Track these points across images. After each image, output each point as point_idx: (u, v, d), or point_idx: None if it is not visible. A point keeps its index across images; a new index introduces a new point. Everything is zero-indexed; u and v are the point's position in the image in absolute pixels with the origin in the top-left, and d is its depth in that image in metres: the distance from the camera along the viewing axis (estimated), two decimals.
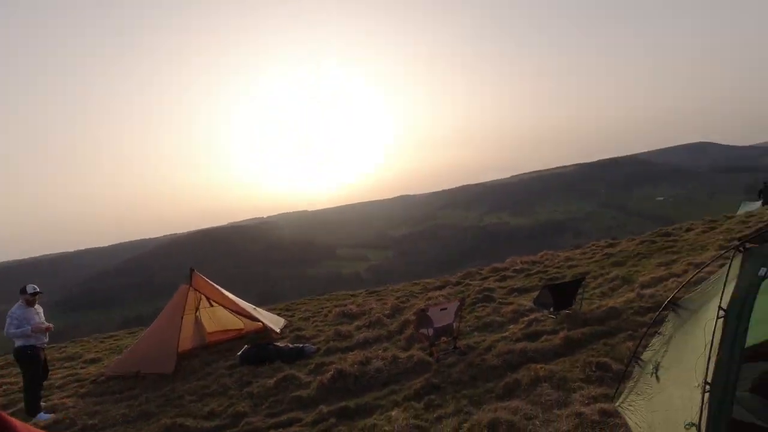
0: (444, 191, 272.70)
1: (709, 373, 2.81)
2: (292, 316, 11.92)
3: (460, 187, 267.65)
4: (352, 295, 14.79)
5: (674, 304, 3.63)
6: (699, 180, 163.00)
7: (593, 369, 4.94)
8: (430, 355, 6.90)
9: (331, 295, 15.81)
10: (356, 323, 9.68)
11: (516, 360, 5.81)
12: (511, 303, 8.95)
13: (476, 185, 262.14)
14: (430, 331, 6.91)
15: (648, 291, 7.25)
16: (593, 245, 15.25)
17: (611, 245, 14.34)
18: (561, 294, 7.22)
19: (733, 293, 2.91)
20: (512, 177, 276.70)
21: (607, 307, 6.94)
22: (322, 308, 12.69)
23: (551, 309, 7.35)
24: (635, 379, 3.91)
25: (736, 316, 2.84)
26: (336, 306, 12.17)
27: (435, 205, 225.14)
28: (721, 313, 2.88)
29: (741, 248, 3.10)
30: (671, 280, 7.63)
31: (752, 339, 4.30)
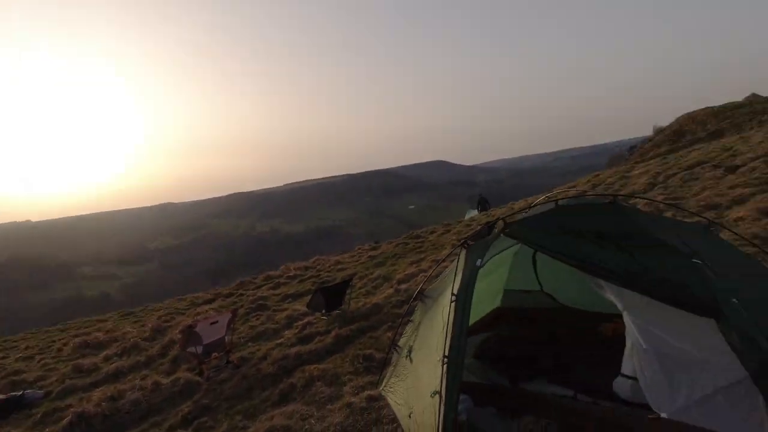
0: (213, 199, 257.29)
1: (446, 348, 3.39)
2: (3, 358, 9.17)
3: (230, 195, 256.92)
4: (99, 321, 12.39)
5: (422, 295, 4.28)
6: (438, 191, 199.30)
7: (361, 361, 5.39)
8: (200, 374, 6.34)
9: (68, 323, 12.90)
10: (104, 353, 8.15)
11: (291, 364, 5.86)
12: (285, 309, 9.04)
13: (248, 193, 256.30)
14: (200, 349, 6.35)
15: (403, 286, 8.40)
16: (359, 249, 16.82)
17: (374, 248, 16.09)
18: (332, 296, 7.67)
19: (461, 281, 3.60)
20: (285, 185, 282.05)
21: (371, 304, 7.72)
22: (54, 341, 10.21)
23: (323, 311, 7.72)
24: (394, 364, 4.44)
25: (463, 299, 3.53)
26: (75, 336, 9.98)
27: (203, 213, 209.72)
28: (453, 298, 3.53)
29: (465, 245, 3.88)
30: (420, 275, 9.03)
31: (473, 317, 5.49)
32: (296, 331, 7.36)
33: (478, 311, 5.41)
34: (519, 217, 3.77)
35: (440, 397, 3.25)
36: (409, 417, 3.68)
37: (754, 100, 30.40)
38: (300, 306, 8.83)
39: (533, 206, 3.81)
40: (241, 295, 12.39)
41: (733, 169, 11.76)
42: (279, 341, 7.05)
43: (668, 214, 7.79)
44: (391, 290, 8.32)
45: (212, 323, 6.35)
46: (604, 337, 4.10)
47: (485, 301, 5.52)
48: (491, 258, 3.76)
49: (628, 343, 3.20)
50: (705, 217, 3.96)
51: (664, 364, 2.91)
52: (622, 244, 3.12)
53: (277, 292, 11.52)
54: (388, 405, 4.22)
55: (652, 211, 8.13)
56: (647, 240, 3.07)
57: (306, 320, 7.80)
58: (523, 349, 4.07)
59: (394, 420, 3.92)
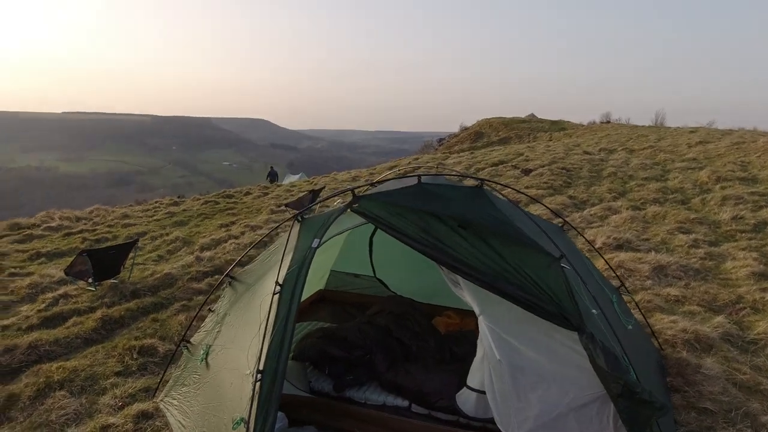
0: None
1: (261, 359, 2.43)
2: None
3: None
4: None
5: (231, 277, 3.18)
6: (258, 152, 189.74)
7: (134, 356, 3.97)
8: None
9: None
10: None
11: (18, 360, 4.02)
12: (31, 273, 6.59)
13: (7, 113, 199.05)
14: None
15: (207, 254, 6.96)
16: (157, 202, 14.10)
17: (176, 203, 13.66)
18: (104, 260, 5.77)
19: (289, 266, 2.66)
20: (65, 113, 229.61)
21: (162, 274, 6.11)
22: None
23: (90, 279, 5.78)
24: (182, 366, 3.25)
25: (290, 292, 2.60)
26: None
27: None
28: (277, 288, 2.57)
29: (297, 219, 2.93)
30: (230, 242, 7.68)
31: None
32: (41, 306, 5.29)
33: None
34: (371, 191, 2.99)
35: (246, 427, 2.30)
36: None
37: (532, 119, 37.24)
38: (56, 270, 6.52)
39: (380, 181, 3.07)
40: None
41: (527, 172, 13.56)
42: (8, 322, 4.92)
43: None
44: (191, 257, 6.79)
45: None
46: (438, 333, 3.71)
47: (307, 284, 4.70)
48: (330, 238, 2.91)
49: (479, 353, 2.76)
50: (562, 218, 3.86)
51: (516, 379, 2.53)
52: (487, 236, 2.62)
53: (24, 247, 8.52)
54: (168, 424, 3.04)
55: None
56: (515, 235, 2.63)
57: (61, 291, 5.72)
58: (351, 345, 3.36)
59: None
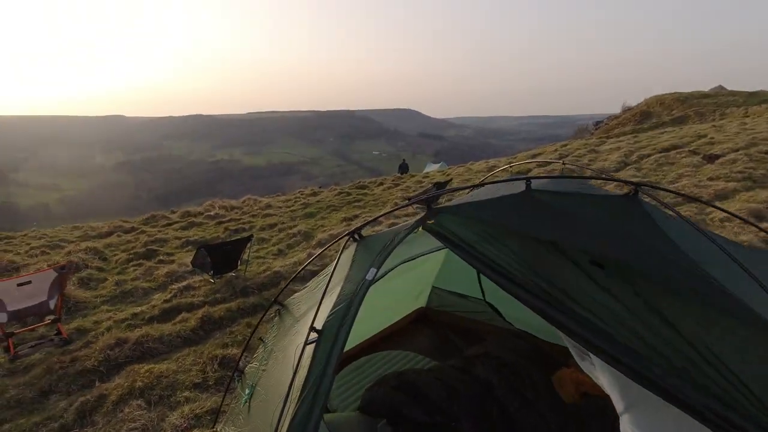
0: (168, 118, 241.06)
1: (282, 419, 1.75)
2: None
3: (188, 116, 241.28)
4: None
5: (280, 304, 2.59)
6: (406, 141, 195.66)
7: (215, 367, 3.73)
8: (7, 350, 4.54)
9: None
10: None
11: (126, 355, 4.13)
12: (172, 262, 7.18)
13: (207, 117, 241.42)
14: (2, 317, 4.50)
15: (320, 250, 6.71)
16: (299, 193, 14.91)
17: (314, 194, 14.24)
18: (221, 255, 5.88)
19: (334, 303, 1.91)
20: (247, 114, 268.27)
21: (272, 271, 6.01)
22: None
23: (211, 272, 5.96)
24: (236, 399, 2.79)
25: (332, 337, 1.85)
26: None
27: (158, 132, 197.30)
28: (312, 335, 1.84)
29: (355, 236, 2.16)
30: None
31: (376, 329, 3.89)
32: (167, 296, 5.59)
33: (384, 319, 3.83)
34: (458, 200, 2.05)
35: None
36: None
37: (720, 92, 30.06)
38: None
39: (485, 182, 2.09)
40: (143, 232, 10.35)
41: (712, 158, 10.57)
42: (138, 310, 5.27)
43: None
44: (303, 254, 6.62)
45: (21, 284, 4.44)
46: (560, 403, 2.58)
47: (403, 300, 3.92)
48: (394, 267, 2.07)
49: None
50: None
51: None
52: (646, 288, 1.48)
53: (182, 234, 9.57)
54: None
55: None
56: (707, 291, 1.43)
57: (188, 282, 6.02)
58: (433, 406, 2.49)
59: None
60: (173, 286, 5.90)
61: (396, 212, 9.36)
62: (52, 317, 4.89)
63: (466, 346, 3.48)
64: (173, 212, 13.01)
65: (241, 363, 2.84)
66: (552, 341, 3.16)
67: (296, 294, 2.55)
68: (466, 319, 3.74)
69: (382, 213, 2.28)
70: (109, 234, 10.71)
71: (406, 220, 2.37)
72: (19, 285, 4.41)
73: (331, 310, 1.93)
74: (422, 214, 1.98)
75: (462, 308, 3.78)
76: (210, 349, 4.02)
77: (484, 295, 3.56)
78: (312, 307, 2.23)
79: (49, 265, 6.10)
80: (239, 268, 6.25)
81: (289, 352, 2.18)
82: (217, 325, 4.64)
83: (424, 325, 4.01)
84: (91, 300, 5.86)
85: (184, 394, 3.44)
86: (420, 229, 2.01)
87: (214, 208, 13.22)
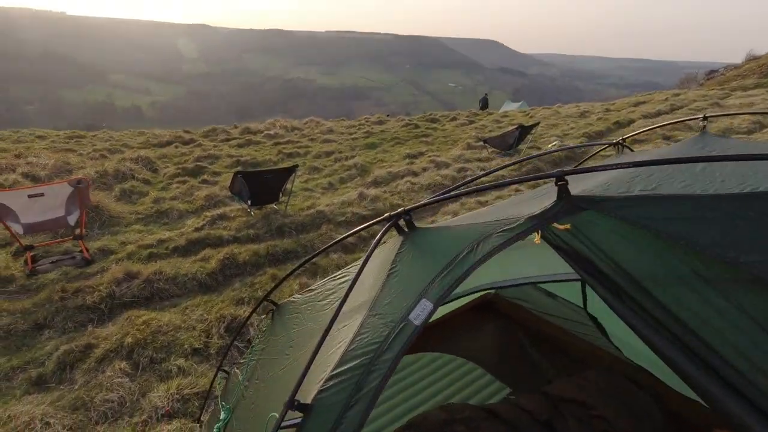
0: (249, 31, 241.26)
1: None
2: None
3: (268, 30, 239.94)
4: (39, 137, 10.19)
5: (273, 304, 1.67)
6: (485, 75, 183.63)
7: (221, 331, 3.01)
8: (26, 262, 4.20)
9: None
10: None
11: (132, 294, 3.54)
12: (215, 183, 6.59)
13: (286, 33, 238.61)
14: (19, 228, 4.09)
15: (373, 192, 5.75)
16: (364, 119, 13.83)
17: (380, 122, 13.10)
18: (259, 184, 5.10)
19: (340, 358, 0.94)
20: (326, 32, 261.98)
21: (316, 210, 5.17)
22: None
23: (249, 202, 5.24)
24: (233, 381, 2.03)
25: (332, 421, 0.90)
26: None
27: (238, 46, 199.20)
28: (294, 414, 0.89)
29: (401, 226, 1.11)
30: (405, 179, 6.32)
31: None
32: (198, 224, 4.99)
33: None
34: (590, 189, 0.91)
35: None
36: None
37: None
38: None
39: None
40: (199, 145, 9.94)
41: None
42: (167, 236, 4.71)
43: None
44: (355, 193, 5.70)
45: (33, 195, 3.93)
46: None
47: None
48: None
49: None
50: None
51: None
52: None
53: (236, 152, 8.99)
54: None
55: None
56: None
57: (224, 210, 5.37)
58: None
59: None
60: (208, 213, 5.28)
61: (468, 154, 8.08)
62: (76, 234, 4.46)
63: (548, 367, 2.46)
64: (235, 127, 12.53)
65: (231, 355, 2.02)
66: (688, 394, 2.04)
67: (297, 296, 1.61)
68: (554, 326, 2.67)
69: (454, 191, 1.22)
70: (168, 143, 10.43)
71: (498, 198, 1.28)
72: (30, 196, 3.91)
73: (332, 370, 0.97)
74: (545, 201, 0.91)
75: (546, 309, 2.70)
76: (222, 305, 3.32)
77: (585, 304, 2.44)
78: (313, 334, 1.28)
79: (76, 176, 5.66)
80: (281, 200, 5.49)
81: (271, 391, 1.28)
82: (239, 271, 3.93)
83: (489, 316, 3.01)
84: (125, 216, 5.43)
85: (179, 361, 2.77)
86: (538, 235, 0.94)
87: (275, 126, 12.56)
